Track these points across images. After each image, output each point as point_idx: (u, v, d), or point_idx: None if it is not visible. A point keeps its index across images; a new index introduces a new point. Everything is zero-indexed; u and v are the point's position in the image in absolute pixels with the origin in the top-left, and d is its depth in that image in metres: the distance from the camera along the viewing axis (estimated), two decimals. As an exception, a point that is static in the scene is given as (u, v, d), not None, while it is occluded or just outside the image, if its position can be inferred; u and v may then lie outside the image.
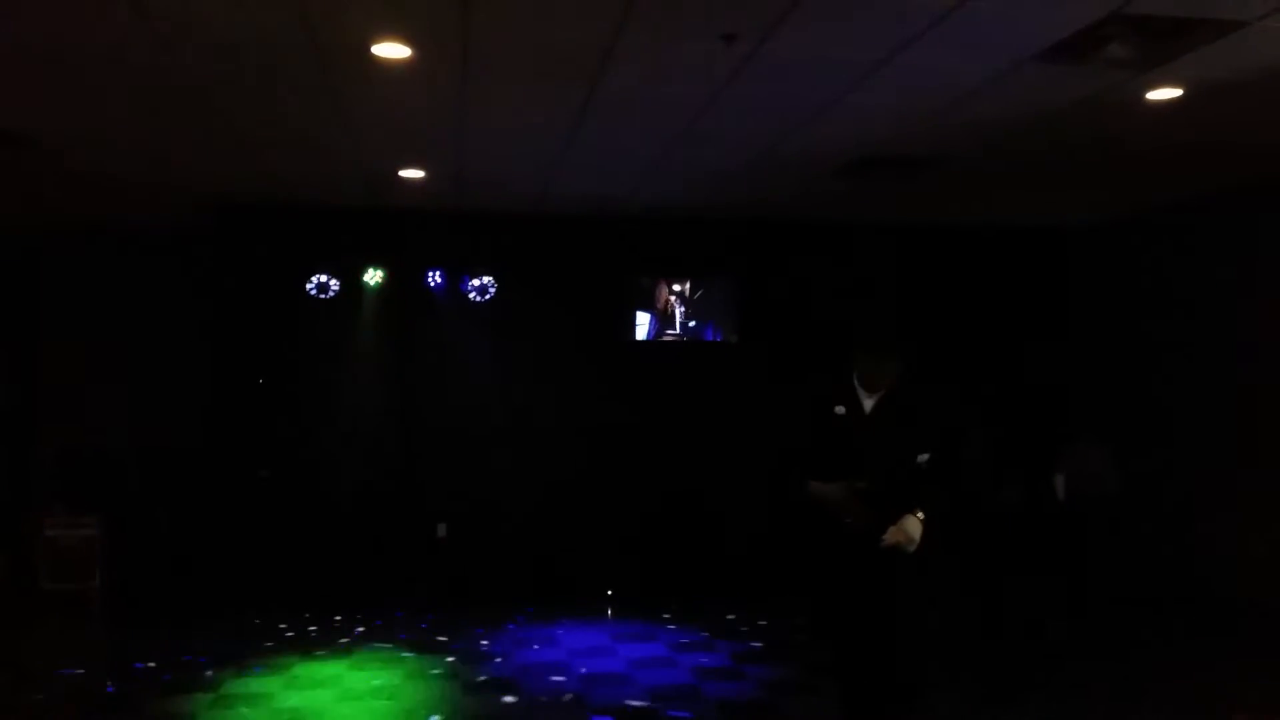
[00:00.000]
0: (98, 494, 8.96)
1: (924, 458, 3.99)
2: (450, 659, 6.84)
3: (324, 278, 8.74)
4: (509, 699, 5.89)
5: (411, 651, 7.06)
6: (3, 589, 8.79)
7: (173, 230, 9.08)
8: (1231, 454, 8.28)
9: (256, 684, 6.24)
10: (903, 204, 8.83)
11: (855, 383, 4.14)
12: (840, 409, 4.09)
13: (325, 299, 8.76)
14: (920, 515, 3.94)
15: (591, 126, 6.49)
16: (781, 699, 5.92)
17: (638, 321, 9.30)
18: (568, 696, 5.86)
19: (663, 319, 9.34)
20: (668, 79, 5.64)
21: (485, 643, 7.29)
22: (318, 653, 7.03)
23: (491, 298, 9.01)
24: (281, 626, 7.73)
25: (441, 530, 8.96)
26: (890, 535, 3.89)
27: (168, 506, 9.02)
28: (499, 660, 6.78)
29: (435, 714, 5.58)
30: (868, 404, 4.10)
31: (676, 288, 9.37)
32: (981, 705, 5.75)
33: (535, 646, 7.14)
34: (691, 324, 9.40)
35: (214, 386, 8.75)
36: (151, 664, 6.69)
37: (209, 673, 6.47)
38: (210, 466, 8.69)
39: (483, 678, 6.36)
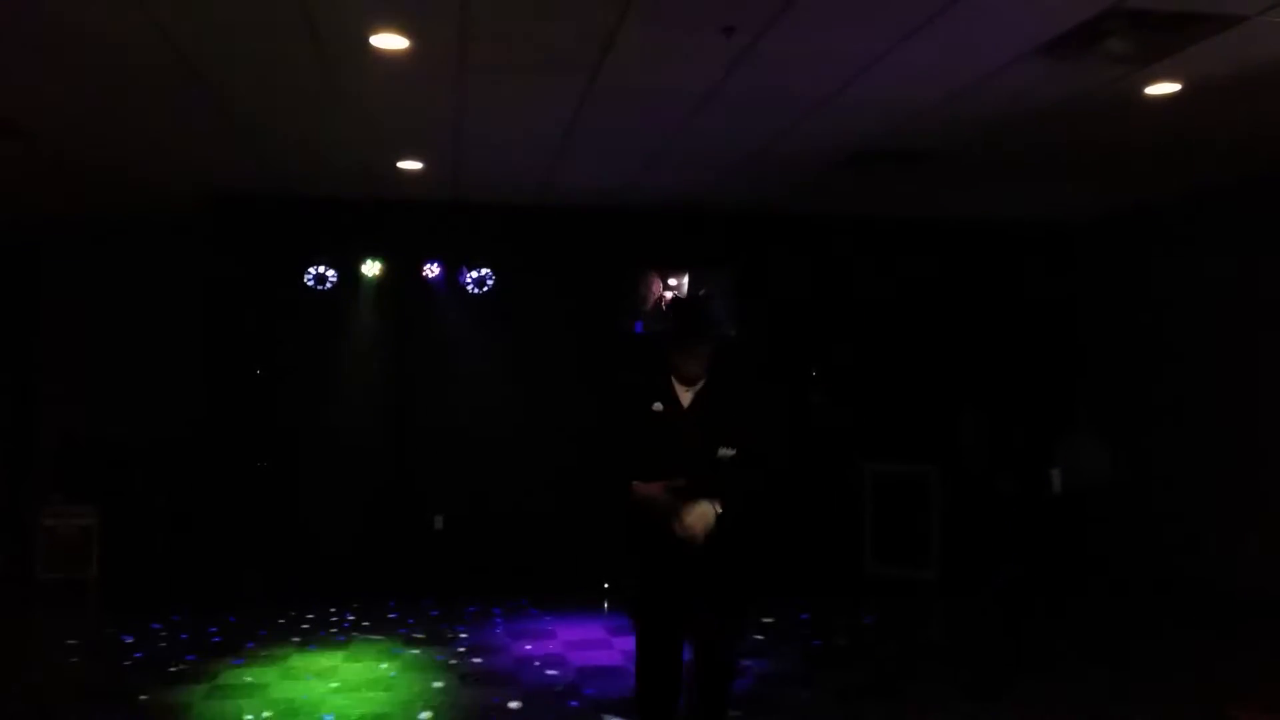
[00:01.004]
0: (96, 484, 8.97)
1: (727, 452, 3.92)
2: (446, 651, 6.85)
3: (322, 269, 8.74)
4: (504, 691, 5.90)
5: (408, 643, 7.07)
6: (1, 578, 8.80)
7: (171, 221, 9.08)
8: (1231, 448, 8.29)
9: (252, 674, 6.26)
10: (901, 199, 8.84)
11: (672, 379, 4.03)
12: (658, 405, 4.00)
13: (323, 290, 8.76)
14: (717, 506, 3.85)
15: (590, 118, 6.48)
16: (776, 691, 5.93)
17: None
18: (561, 688, 5.87)
19: (651, 318, 9.29)
20: (667, 71, 5.63)
21: (482, 635, 7.30)
22: (314, 644, 7.05)
23: (489, 290, 9.01)
24: (278, 617, 7.75)
25: (439, 522, 8.97)
26: (679, 526, 3.81)
27: (166, 496, 9.03)
28: (495, 653, 6.79)
29: (427, 709, 5.59)
30: (685, 399, 4.02)
31: (672, 282, 9.36)
32: (969, 696, 5.77)
33: (531, 640, 7.15)
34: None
35: (212, 377, 8.75)
36: (147, 654, 6.71)
37: (205, 663, 6.48)
38: (208, 457, 8.69)
39: (479, 670, 6.37)
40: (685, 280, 9.39)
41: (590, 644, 7.06)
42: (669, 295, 9.24)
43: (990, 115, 6.38)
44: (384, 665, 6.50)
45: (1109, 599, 8.29)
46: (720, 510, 3.85)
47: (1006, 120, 6.48)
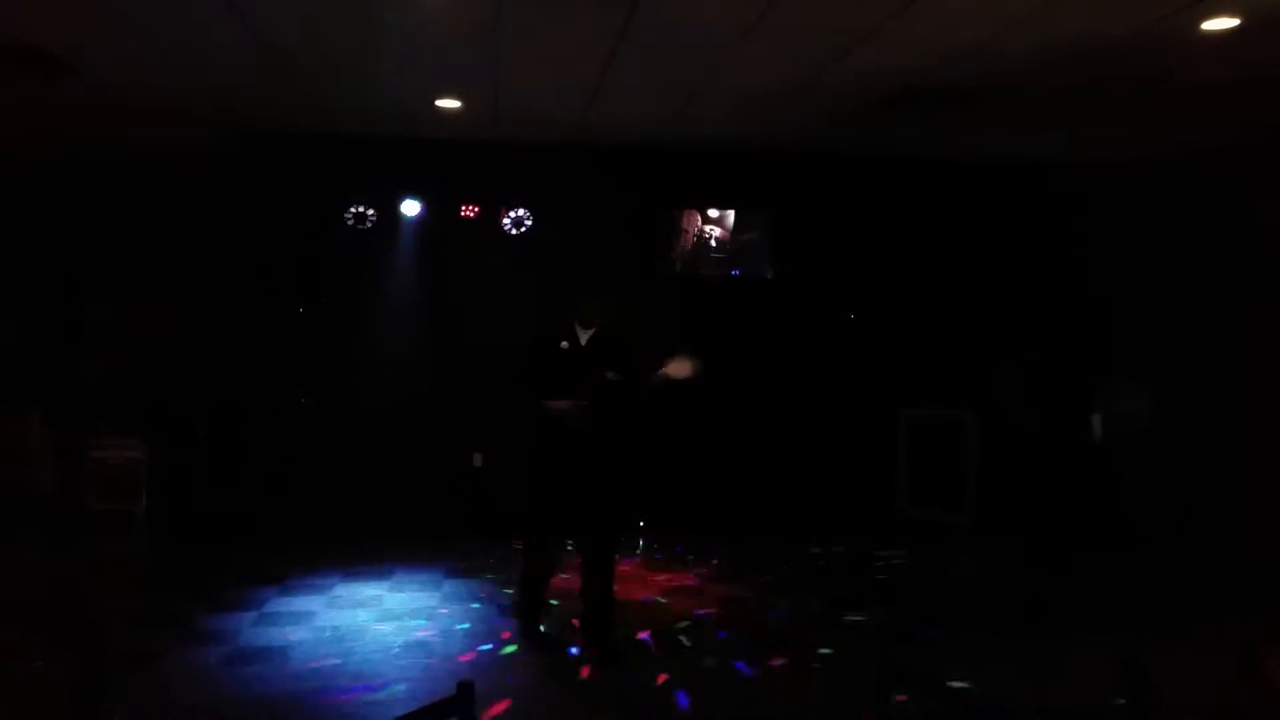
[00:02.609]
0: (142, 417, 9.16)
1: (613, 375, 5.43)
2: (485, 582, 6.99)
3: (361, 208, 8.78)
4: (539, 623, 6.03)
5: (449, 575, 7.22)
6: (52, 508, 9.04)
7: (212, 158, 9.12)
8: (1273, 393, 8.17)
9: (299, 602, 6.43)
10: (944, 140, 8.69)
11: (575, 323, 5.52)
12: (564, 344, 5.49)
13: (362, 229, 8.82)
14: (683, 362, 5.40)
15: (629, 52, 6.41)
16: (807, 631, 6.00)
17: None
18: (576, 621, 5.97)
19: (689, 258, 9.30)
20: (707, 3, 5.55)
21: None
22: (358, 574, 7.22)
23: (527, 229, 9.01)
24: (323, 548, 7.93)
25: (478, 460, 9.09)
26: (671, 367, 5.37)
27: (211, 430, 9.20)
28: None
29: (467, 634, 5.71)
30: (584, 338, 5.50)
31: (714, 215, 9.29)
32: (1000, 639, 5.81)
33: (567, 574, 7.26)
34: (721, 257, 9.35)
35: (255, 313, 8.86)
36: (196, 582, 6.90)
37: (252, 591, 6.67)
38: (252, 392, 8.85)
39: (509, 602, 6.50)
40: (729, 217, 9.32)
41: (626, 578, 7.15)
42: (714, 231, 9.24)
43: (1041, 52, 6.24)
44: (426, 595, 6.65)
45: (1146, 543, 8.26)
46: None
47: (1057, 58, 6.34)
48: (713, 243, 9.35)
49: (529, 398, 5.50)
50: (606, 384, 5.42)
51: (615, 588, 5.54)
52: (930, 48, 6.25)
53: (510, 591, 6.68)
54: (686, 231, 9.31)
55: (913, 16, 5.66)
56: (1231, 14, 5.56)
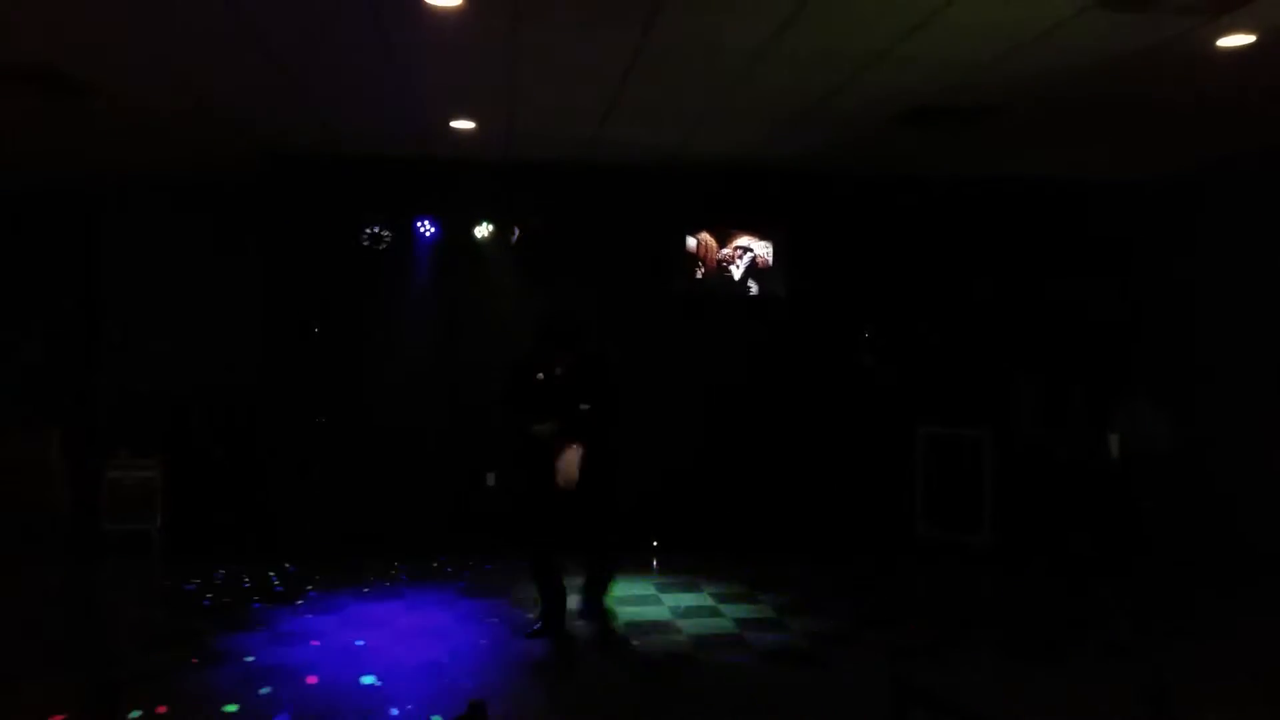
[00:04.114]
0: (158, 437, 9.21)
1: (585, 407, 5.90)
2: (498, 602, 6.97)
3: (377, 228, 8.84)
4: (554, 641, 6.00)
5: (462, 595, 7.20)
6: (67, 529, 9.08)
7: (228, 179, 9.20)
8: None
9: (312, 622, 6.43)
10: (958, 158, 8.68)
11: (550, 354, 6.03)
12: (540, 375, 6.02)
13: (378, 249, 8.86)
14: (579, 446, 5.85)
15: (643, 74, 6.44)
16: (824, 649, 5.95)
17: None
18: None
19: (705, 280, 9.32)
20: (721, 25, 5.57)
21: (533, 589, 7.41)
22: (371, 593, 7.21)
23: (541, 249, 9.03)
24: (336, 568, 7.93)
25: (490, 479, 9.08)
26: (559, 475, 5.83)
27: (226, 449, 9.24)
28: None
29: (480, 657, 5.69)
30: (558, 371, 5.99)
31: (742, 243, 9.31)
32: (1018, 661, 5.75)
33: (579, 595, 7.23)
34: (730, 277, 9.36)
35: (271, 333, 8.90)
36: (211, 602, 6.91)
37: (266, 610, 6.67)
38: (267, 412, 8.87)
39: (534, 620, 6.48)
40: (757, 243, 9.32)
41: (639, 599, 7.13)
42: (743, 255, 9.29)
43: (1053, 71, 6.23)
44: (439, 614, 6.63)
45: (1164, 565, 8.17)
46: (582, 449, 5.86)
47: (1070, 76, 6.32)
48: (738, 264, 9.35)
49: (512, 420, 6.08)
50: (580, 414, 5.89)
51: (624, 608, 5.75)
52: (940, 68, 6.25)
53: (519, 610, 6.67)
54: (706, 251, 9.31)
55: (922, 38, 5.67)
56: (1247, 31, 5.54)
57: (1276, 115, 7.25)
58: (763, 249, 9.34)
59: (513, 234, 9.01)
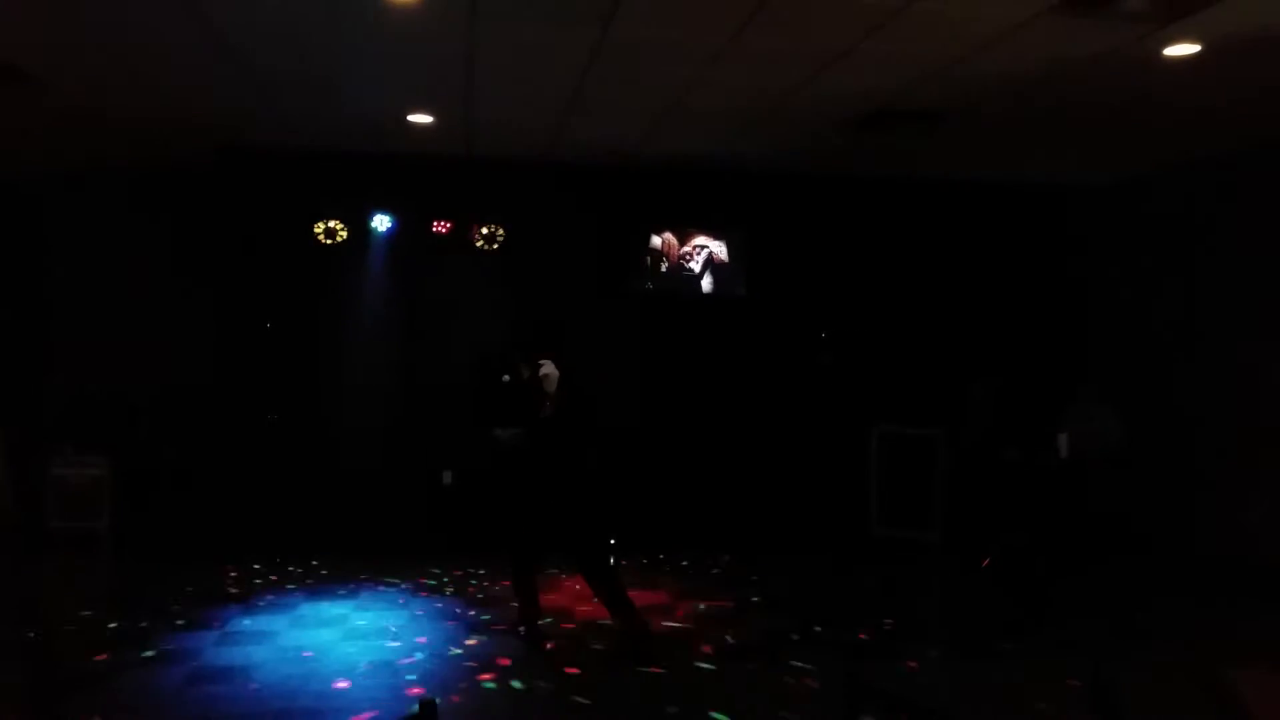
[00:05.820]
0: (106, 435, 9.03)
1: (550, 407, 5.87)
2: (451, 600, 6.92)
3: (332, 223, 8.74)
4: (508, 642, 5.97)
5: (415, 593, 7.15)
6: (12, 527, 8.88)
7: (180, 173, 9.05)
8: (1232, 416, 8.30)
9: (263, 621, 6.34)
10: (915, 160, 8.78)
11: (520, 361, 6.04)
12: (506, 378, 6.08)
13: (333, 244, 8.76)
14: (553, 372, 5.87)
15: (602, 71, 6.43)
16: (778, 646, 5.98)
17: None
18: (550, 645, 5.93)
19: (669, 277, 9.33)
20: (680, 24, 5.58)
21: (487, 586, 7.38)
22: (323, 593, 7.13)
23: (500, 245, 8.99)
24: (288, 567, 7.84)
25: (447, 478, 9.01)
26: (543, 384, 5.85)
27: (176, 448, 9.08)
28: (500, 605, 6.84)
29: (431, 656, 5.66)
30: (525, 374, 5.95)
31: (701, 242, 9.33)
32: (964, 658, 5.82)
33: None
34: (693, 275, 9.38)
35: (222, 330, 8.77)
36: (159, 602, 6.78)
37: (215, 610, 6.57)
38: (218, 409, 8.73)
39: (486, 620, 6.44)
40: (715, 242, 9.34)
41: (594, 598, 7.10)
42: (701, 253, 9.32)
43: (1007, 74, 6.33)
44: (392, 614, 6.58)
45: (1111, 564, 8.31)
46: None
47: (1025, 80, 6.43)
48: (697, 263, 9.37)
49: (479, 424, 6.34)
50: (548, 417, 5.87)
51: (589, 607, 5.73)
52: (900, 70, 6.32)
53: (474, 613, 6.64)
54: (666, 250, 9.33)
55: (882, 39, 5.72)
56: (1192, 40, 5.66)
57: (1220, 122, 7.42)
58: (720, 249, 9.39)
59: (472, 231, 8.96)
